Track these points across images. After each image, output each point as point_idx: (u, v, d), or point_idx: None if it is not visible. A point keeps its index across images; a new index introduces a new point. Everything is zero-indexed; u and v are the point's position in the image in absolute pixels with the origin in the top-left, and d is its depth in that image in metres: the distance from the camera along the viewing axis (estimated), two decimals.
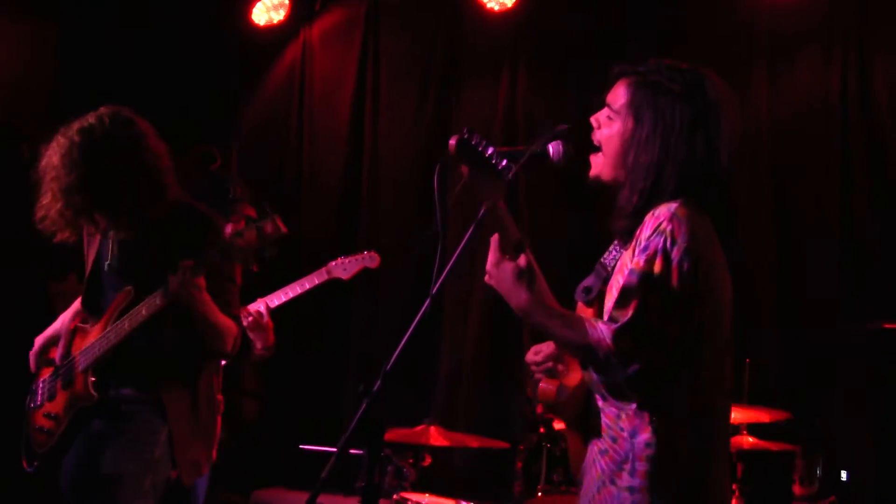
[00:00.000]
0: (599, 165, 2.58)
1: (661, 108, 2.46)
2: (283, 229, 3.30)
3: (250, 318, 4.56)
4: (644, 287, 2.31)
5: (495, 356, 6.09)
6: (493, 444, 4.98)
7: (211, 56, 7.02)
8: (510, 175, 2.39)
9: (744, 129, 5.74)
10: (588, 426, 2.54)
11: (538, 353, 2.65)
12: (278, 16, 6.84)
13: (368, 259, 4.77)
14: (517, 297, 2.39)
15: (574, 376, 2.54)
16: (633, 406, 2.39)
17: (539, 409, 4.32)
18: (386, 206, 6.64)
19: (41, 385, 3.84)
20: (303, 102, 6.95)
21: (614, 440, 2.43)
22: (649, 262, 2.32)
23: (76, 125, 3.52)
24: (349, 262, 4.77)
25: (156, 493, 3.52)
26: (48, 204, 3.52)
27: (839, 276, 5.51)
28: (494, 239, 2.40)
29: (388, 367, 2.43)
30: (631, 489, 2.38)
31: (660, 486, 2.36)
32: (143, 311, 3.47)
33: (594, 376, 2.41)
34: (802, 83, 5.75)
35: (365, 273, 5.04)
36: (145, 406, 3.55)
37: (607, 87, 2.60)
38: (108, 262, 3.68)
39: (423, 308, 2.45)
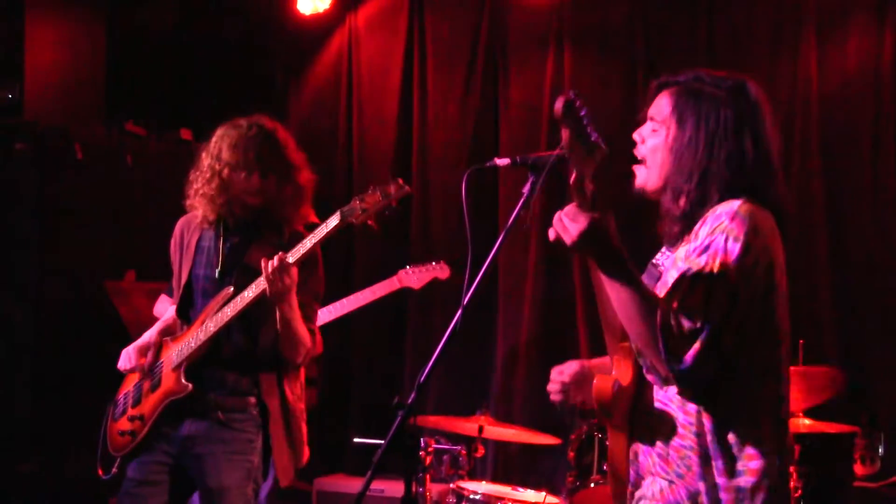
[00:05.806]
0: (644, 177, 2.53)
1: (703, 112, 2.43)
2: (407, 189, 3.39)
3: None
4: (703, 279, 2.24)
5: (549, 345, 6.06)
6: (544, 437, 4.97)
7: (258, 47, 7.07)
8: (598, 156, 2.28)
9: (791, 99, 5.64)
10: (635, 424, 2.49)
11: (562, 373, 2.64)
12: (324, 4, 6.81)
13: (439, 269, 4.95)
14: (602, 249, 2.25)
15: (625, 374, 2.47)
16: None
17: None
18: (436, 190, 6.62)
19: (123, 397, 3.85)
20: (351, 90, 6.93)
21: (698, 435, 2.34)
22: (710, 258, 2.26)
23: (238, 131, 3.73)
24: (420, 271, 4.94)
25: (255, 499, 3.65)
26: (215, 196, 3.66)
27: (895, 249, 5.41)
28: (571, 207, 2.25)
29: (422, 379, 2.45)
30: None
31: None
32: (248, 294, 3.51)
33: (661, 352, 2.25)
34: (853, 50, 5.60)
35: None
36: (242, 414, 3.62)
37: (648, 101, 2.57)
38: (217, 269, 3.70)
39: (455, 319, 2.45)
